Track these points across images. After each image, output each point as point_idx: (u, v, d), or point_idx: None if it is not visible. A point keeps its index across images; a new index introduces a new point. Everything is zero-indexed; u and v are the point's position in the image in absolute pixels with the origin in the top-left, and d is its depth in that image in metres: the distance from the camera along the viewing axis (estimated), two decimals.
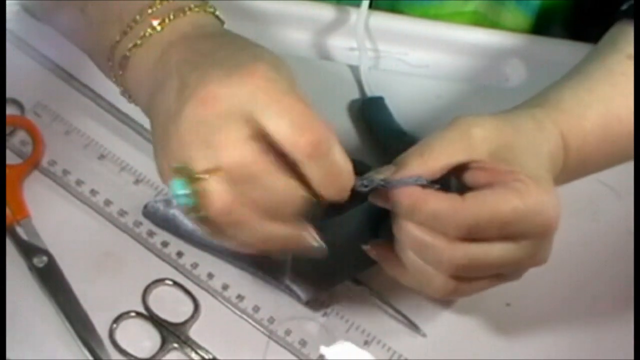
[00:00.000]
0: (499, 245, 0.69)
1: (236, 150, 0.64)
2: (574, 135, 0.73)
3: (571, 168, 0.74)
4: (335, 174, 0.66)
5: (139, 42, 0.71)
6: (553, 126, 0.73)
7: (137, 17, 0.71)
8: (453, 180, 0.71)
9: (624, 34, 0.78)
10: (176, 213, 0.78)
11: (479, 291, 0.72)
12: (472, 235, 0.68)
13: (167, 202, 0.79)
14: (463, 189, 0.70)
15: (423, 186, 0.69)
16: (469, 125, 0.70)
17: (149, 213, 0.79)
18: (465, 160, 0.69)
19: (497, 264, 0.70)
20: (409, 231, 0.69)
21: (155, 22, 0.70)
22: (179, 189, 0.65)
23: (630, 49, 0.77)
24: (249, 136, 0.64)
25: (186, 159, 0.65)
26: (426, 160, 0.69)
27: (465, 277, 0.70)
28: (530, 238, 0.69)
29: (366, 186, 0.69)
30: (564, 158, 0.73)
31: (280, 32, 0.73)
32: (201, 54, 0.68)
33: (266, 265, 0.77)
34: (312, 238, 0.68)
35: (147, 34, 0.70)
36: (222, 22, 0.73)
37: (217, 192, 0.64)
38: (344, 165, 0.66)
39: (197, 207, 0.65)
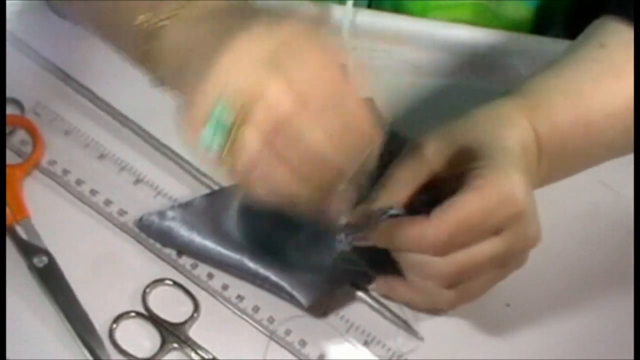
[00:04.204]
0: (482, 244, 0.70)
1: (272, 100, 0.62)
2: (540, 116, 0.74)
3: (550, 153, 0.74)
4: (350, 124, 0.64)
5: (169, 15, 0.70)
6: (515, 112, 0.74)
7: None
8: (421, 197, 0.73)
9: (602, 26, 0.79)
10: (171, 225, 0.78)
11: (488, 288, 0.73)
12: (452, 246, 0.69)
13: (162, 215, 0.79)
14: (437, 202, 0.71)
15: (396, 215, 0.72)
16: (420, 147, 0.72)
17: (144, 226, 0.79)
18: (425, 178, 0.72)
19: (488, 261, 0.71)
20: (400, 255, 0.72)
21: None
22: (211, 132, 0.64)
23: (603, 39, 0.77)
24: (285, 88, 0.62)
25: (221, 99, 0.63)
26: (390, 192, 0.72)
27: (462, 282, 0.72)
28: (509, 226, 0.70)
29: (350, 241, 0.73)
30: (536, 142, 0.74)
31: None
32: (230, 25, 0.67)
33: (265, 273, 0.77)
34: (337, 212, 0.69)
35: (175, 10, 0.70)
36: None
37: (249, 142, 0.63)
38: (361, 116, 0.64)
39: (224, 155, 0.64)
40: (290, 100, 0.62)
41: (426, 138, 0.73)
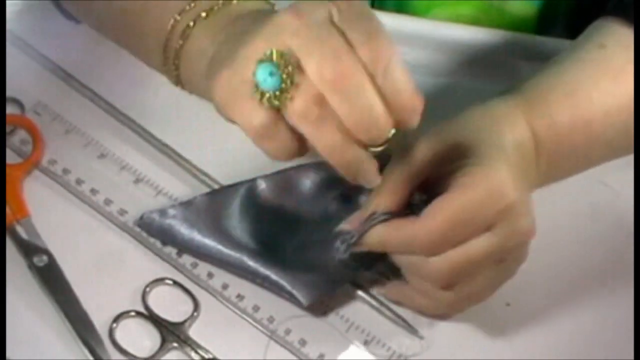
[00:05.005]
0: (474, 241, 0.70)
1: (333, 59, 0.63)
2: (538, 115, 0.74)
3: (549, 152, 0.74)
4: (397, 90, 0.65)
5: (203, 14, 0.72)
6: (511, 111, 0.74)
7: None
8: (417, 197, 0.72)
9: (601, 27, 0.79)
10: (172, 223, 0.78)
11: (491, 288, 0.73)
12: (444, 244, 0.69)
13: (163, 213, 0.79)
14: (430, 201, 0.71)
15: (387, 219, 0.71)
16: (411, 143, 0.72)
17: (145, 224, 0.79)
18: (415, 179, 0.71)
19: (482, 257, 0.70)
20: (397, 257, 0.73)
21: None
22: (268, 69, 0.64)
23: (602, 39, 0.77)
24: (343, 45, 0.63)
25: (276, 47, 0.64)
26: (380, 195, 0.71)
27: (459, 282, 0.72)
28: (500, 220, 0.70)
29: (346, 249, 0.72)
30: (535, 141, 0.74)
31: None
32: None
33: (266, 272, 0.77)
34: (375, 176, 0.68)
35: (215, 7, 0.72)
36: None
37: (304, 89, 0.64)
38: (405, 83, 0.65)
39: (278, 95, 0.64)
40: (349, 59, 0.63)
41: (416, 139, 0.72)
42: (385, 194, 0.71)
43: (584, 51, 0.78)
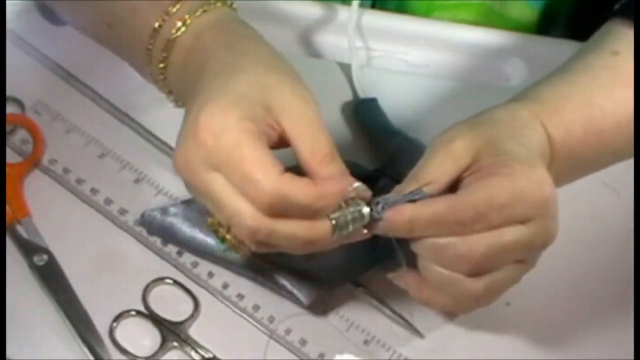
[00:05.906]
0: (509, 229, 0.70)
1: (239, 227, 0.68)
2: (555, 125, 0.74)
3: (560, 160, 0.74)
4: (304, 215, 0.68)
5: (163, 55, 0.74)
6: (532, 117, 0.74)
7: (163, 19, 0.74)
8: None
9: (611, 31, 0.78)
10: (173, 221, 0.78)
11: (507, 286, 0.73)
12: (478, 225, 0.69)
13: (164, 211, 0.79)
14: None
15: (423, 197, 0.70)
16: (448, 142, 0.71)
17: (146, 222, 0.79)
18: (455, 175, 0.71)
19: (513, 248, 0.70)
20: (422, 241, 0.71)
21: (178, 24, 0.74)
22: (218, 241, 0.71)
23: (614, 46, 0.77)
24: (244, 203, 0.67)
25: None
26: (421, 181, 0.70)
27: (487, 270, 0.71)
28: (535, 217, 0.70)
29: (378, 212, 0.70)
30: (550, 149, 0.74)
31: (273, 30, 0.73)
32: (197, 84, 0.71)
33: (266, 271, 0.77)
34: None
35: (171, 37, 0.73)
36: (234, 10, 0.75)
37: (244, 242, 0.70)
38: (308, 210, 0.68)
39: (237, 250, 0.71)
40: (251, 217, 0.67)
41: (453, 134, 0.72)
42: (431, 189, 0.70)
43: (597, 57, 0.77)
